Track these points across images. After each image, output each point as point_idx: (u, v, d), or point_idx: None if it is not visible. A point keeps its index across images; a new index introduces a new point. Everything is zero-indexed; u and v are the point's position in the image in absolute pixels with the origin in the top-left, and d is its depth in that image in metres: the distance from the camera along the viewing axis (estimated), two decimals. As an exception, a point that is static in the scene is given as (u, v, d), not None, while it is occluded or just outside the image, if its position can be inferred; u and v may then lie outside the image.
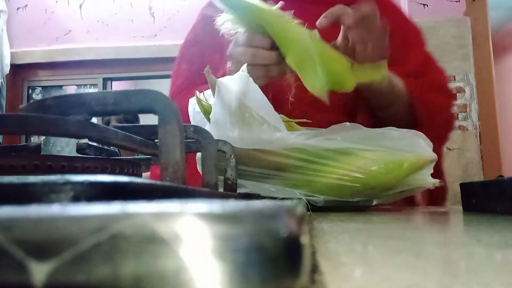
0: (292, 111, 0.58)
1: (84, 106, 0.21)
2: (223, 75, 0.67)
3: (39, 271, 0.08)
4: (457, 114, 1.98)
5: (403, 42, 0.77)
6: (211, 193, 0.26)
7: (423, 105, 0.70)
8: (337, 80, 0.56)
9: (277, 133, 0.50)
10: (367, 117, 0.72)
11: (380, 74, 0.58)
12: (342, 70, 0.55)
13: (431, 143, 0.53)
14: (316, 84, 0.55)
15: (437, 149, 0.56)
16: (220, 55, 0.78)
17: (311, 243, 0.18)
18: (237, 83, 0.51)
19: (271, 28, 0.55)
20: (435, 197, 0.74)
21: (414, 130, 0.54)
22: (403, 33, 0.78)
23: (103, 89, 2.56)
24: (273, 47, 0.56)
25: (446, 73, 0.82)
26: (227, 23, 0.58)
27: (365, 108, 0.72)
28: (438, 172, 0.54)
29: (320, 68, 0.53)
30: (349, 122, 0.68)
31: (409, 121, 0.71)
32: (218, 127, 0.50)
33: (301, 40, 0.54)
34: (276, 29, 0.55)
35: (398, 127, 0.70)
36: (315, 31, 0.55)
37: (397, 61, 0.68)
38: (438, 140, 0.69)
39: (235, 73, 0.57)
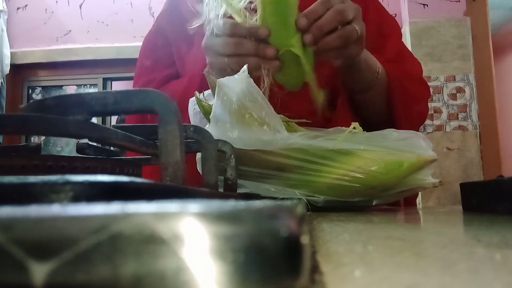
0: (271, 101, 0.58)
1: (84, 106, 0.21)
2: (193, 66, 0.65)
3: (39, 271, 0.08)
4: (457, 114, 1.98)
5: (380, 32, 0.76)
6: (211, 193, 0.27)
7: (401, 93, 0.69)
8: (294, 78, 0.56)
9: (277, 134, 0.50)
10: (345, 104, 0.71)
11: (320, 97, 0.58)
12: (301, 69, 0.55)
13: (430, 143, 0.53)
14: (293, 80, 0.56)
15: None
16: (188, 46, 0.75)
17: (311, 243, 0.18)
18: (237, 83, 0.51)
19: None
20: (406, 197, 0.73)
21: (413, 131, 0.54)
22: (380, 23, 0.78)
23: (103, 89, 2.56)
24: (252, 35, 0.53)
25: (420, 65, 0.82)
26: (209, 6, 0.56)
27: (344, 91, 0.71)
28: None
29: (300, 62, 0.54)
30: (328, 111, 0.68)
31: (387, 109, 0.70)
32: (218, 128, 0.50)
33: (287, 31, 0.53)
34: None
35: (376, 113, 0.71)
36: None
37: (375, 51, 0.68)
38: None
39: (215, 67, 0.55)
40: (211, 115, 0.51)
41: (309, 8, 0.54)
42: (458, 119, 1.97)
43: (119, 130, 0.23)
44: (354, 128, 0.54)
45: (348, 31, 0.54)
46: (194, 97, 0.56)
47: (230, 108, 0.50)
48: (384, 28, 0.78)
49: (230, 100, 0.50)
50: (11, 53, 2.43)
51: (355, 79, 0.67)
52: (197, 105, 0.56)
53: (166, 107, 0.22)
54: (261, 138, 0.49)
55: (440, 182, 0.52)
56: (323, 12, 0.53)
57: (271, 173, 0.51)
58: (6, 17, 2.45)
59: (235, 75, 0.51)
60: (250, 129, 0.50)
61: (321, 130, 0.55)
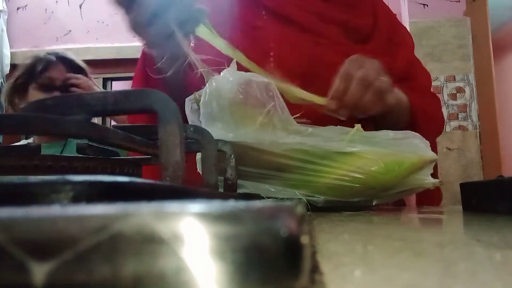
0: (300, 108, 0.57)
1: (84, 106, 0.21)
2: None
3: (39, 271, 0.08)
4: (457, 114, 1.98)
5: (391, 40, 0.76)
6: (211, 193, 0.26)
7: (420, 113, 0.69)
8: None
9: (277, 134, 0.50)
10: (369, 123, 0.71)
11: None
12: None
13: (428, 143, 0.53)
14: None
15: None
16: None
17: (311, 243, 0.18)
18: (231, 82, 0.51)
19: None
20: (430, 198, 0.73)
21: (411, 132, 0.54)
22: (391, 31, 0.77)
23: (103, 89, 2.55)
24: None
25: (430, 77, 0.82)
26: None
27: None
28: (434, 175, 0.54)
29: None
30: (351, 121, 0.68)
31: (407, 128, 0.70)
32: (218, 128, 0.50)
33: None
34: None
35: (393, 127, 0.70)
36: None
37: (386, 59, 0.67)
38: (432, 144, 0.68)
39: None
40: (201, 115, 0.51)
41: (333, 87, 0.55)
42: (458, 119, 1.97)
43: (119, 130, 0.23)
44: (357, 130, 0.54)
45: (376, 91, 0.56)
46: (191, 96, 0.56)
47: (229, 108, 0.50)
48: (395, 37, 0.77)
49: (225, 99, 0.50)
50: (11, 53, 2.43)
51: (390, 120, 0.66)
52: (194, 104, 0.56)
53: (166, 107, 0.22)
54: (261, 138, 0.49)
55: (440, 182, 0.52)
56: (347, 86, 0.55)
57: (271, 173, 0.51)
58: (6, 17, 2.45)
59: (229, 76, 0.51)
60: (250, 129, 0.50)
61: (321, 130, 0.55)
